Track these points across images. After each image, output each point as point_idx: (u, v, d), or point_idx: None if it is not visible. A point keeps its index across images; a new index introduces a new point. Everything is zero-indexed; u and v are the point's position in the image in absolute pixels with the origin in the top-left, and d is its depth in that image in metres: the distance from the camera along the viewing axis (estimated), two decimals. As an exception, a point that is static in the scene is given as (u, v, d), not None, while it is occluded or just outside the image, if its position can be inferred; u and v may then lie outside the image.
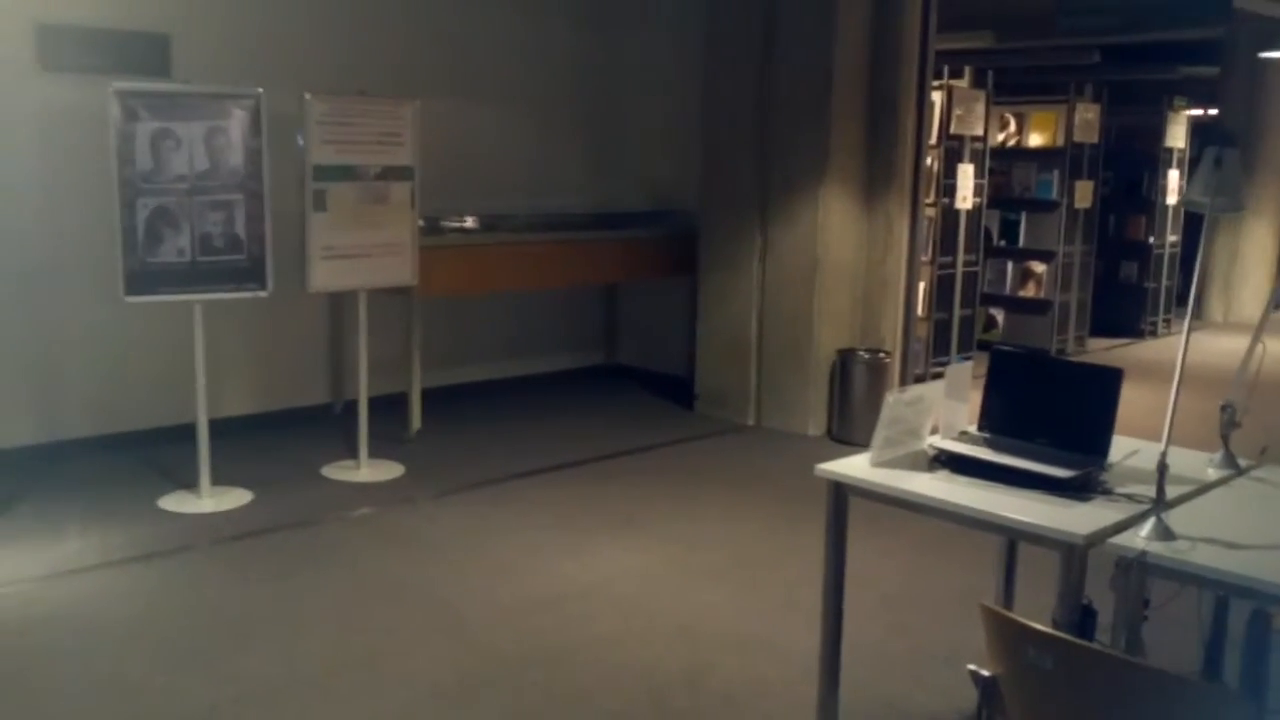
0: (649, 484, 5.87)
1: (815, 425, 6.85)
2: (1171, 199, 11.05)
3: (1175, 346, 2.64)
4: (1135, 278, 11.26)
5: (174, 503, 5.25)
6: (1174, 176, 11.02)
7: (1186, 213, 11.07)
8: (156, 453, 5.89)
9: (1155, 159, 10.95)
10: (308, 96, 5.45)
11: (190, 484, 5.36)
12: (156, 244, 5.08)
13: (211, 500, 5.27)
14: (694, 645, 3.97)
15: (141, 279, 5.06)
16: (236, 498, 5.34)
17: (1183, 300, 11.37)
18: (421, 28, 7.20)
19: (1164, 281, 11.32)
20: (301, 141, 5.46)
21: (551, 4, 7.97)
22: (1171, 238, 11.37)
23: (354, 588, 4.41)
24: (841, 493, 3.15)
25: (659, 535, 5.10)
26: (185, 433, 5.41)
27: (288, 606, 4.22)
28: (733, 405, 7.12)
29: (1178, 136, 11.11)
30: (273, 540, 4.89)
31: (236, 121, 5.20)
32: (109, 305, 5.21)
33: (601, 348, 8.73)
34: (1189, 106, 11.41)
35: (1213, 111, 12.92)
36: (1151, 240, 11.17)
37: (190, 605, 4.22)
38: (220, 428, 5.56)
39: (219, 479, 5.36)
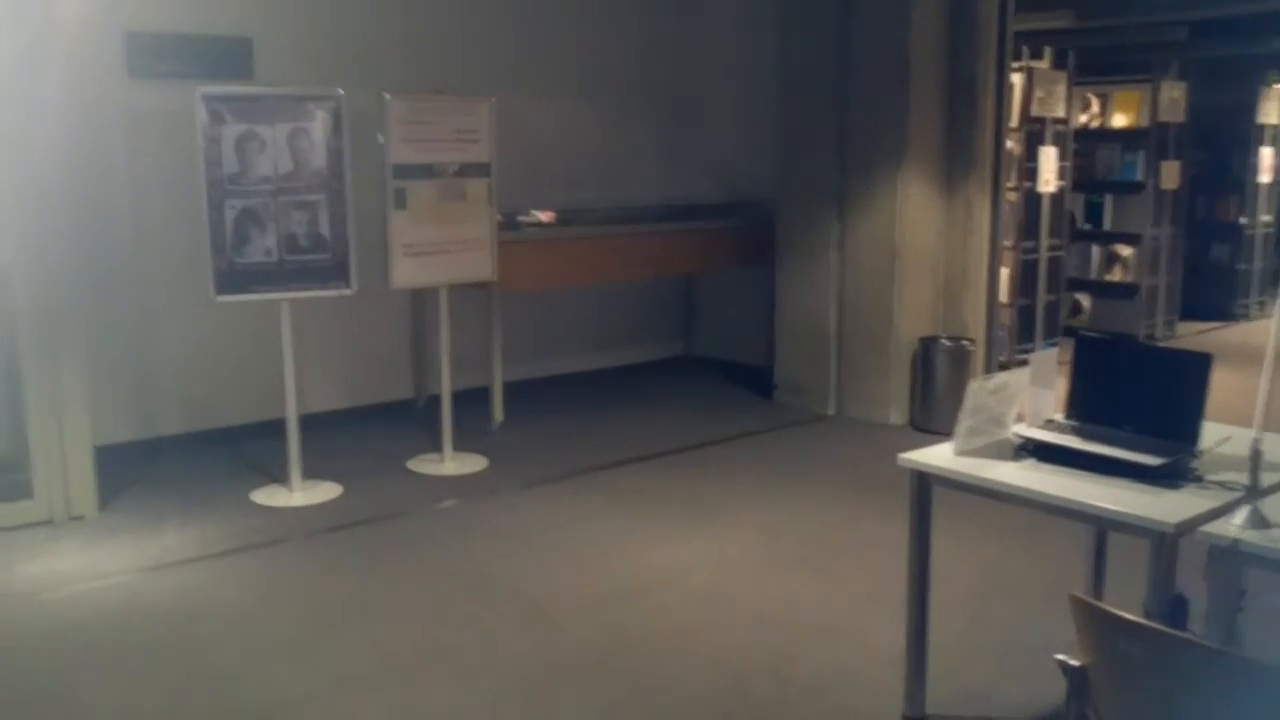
0: (730, 474, 5.88)
1: (897, 414, 6.79)
2: (1264, 178, 10.72)
3: (1268, 330, 2.58)
4: (1227, 260, 10.95)
5: (266, 497, 5.38)
6: (1267, 154, 10.69)
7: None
8: (248, 448, 6.05)
9: (1247, 136, 10.63)
10: (387, 96, 5.54)
11: (281, 478, 5.49)
12: (244, 244, 5.21)
13: (302, 494, 5.39)
14: (777, 635, 3.97)
15: (231, 279, 5.19)
16: (326, 491, 5.46)
17: (1277, 281, 11.05)
18: (493, 23, 7.26)
19: (1256, 263, 10.98)
20: (382, 140, 5.55)
21: (625, -3, 7.99)
22: (1265, 217, 11.03)
23: (441, 579, 4.48)
24: (925, 482, 3.13)
25: (741, 525, 5.10)
26: (275, 428, 5.55)
27: (377, 597, 4.31)
28: (813, 395, 7.08)
29: (1271, 112, 10.76)
30: (362, 533, 5.00)
31: (319, 122, 5.30)
32: (200, 305, 5.36)
33: (680, 339, 8.75)
34: (1282, 81, 11.05)
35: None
36: (1243, 221, 10.85)
37: (284, 597, 4.33)
38: (308, 423, 5.69)
39: (309, 473, 5.49)
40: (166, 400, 6.23)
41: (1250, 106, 10.57)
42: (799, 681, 3.63)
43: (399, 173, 5.61)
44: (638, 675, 3.69)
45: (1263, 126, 10.68)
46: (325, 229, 5.36)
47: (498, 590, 4.37)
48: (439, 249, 5.79)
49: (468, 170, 5.83)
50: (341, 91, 5.33)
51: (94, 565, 4.57)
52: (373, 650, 3.85)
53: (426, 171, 5.70)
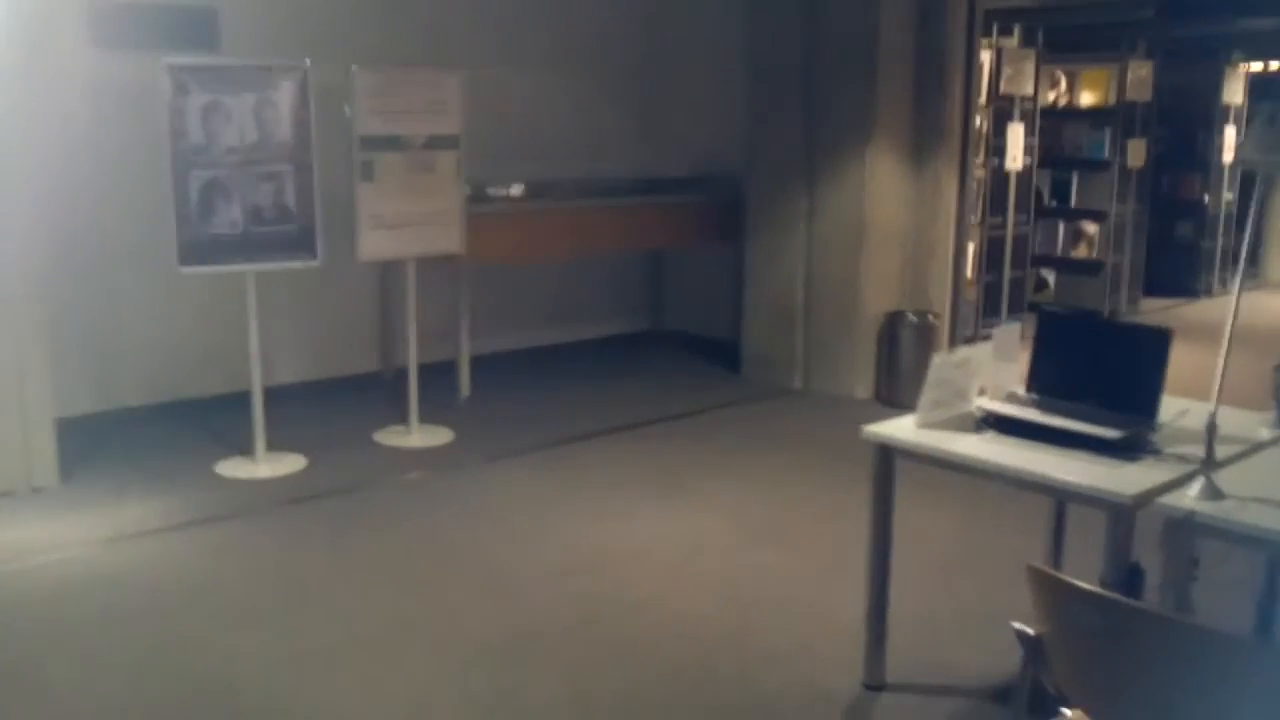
0: (696, 448, 5.90)
1: (863, 388, 6.84)
2: (1228, 157, 10.83)
3: (1230, 306, 2.62)
4: (1190, 237, 11.07)
5: (230, 468, 5.36)
6: (1230, 133, 10.79)
7: (1244, 171, 10.86)
8: (212, 420, 6.01)
9: (1211, 116, 10.74)
10: (354, 68, 5.49)
11: (246, 450, 5.47)
12: (209, 216, 5.16)
13: (267, 466, 5.37)
14: (741, 607, 4.01)
15: (195, 250, 5.15)
16: (291, 463, 5.44)
17: (1239, 259, 11.14)
18: (465, -5, 7.21)
19: (1219, 241, 11.11)
20: (349, 112, 5.51)
21: (595, -31, 7.94)
22: (1228, 196, 11.15)
23: (406, 550, 4.49)
24: (888, 454, 3.16)
25: (706, 498, 5.13)
26: (240, 400, 5.52)
27: (342, 569, 4.31)
28: (780, 369, 7.11)
29: (1235, 92, 10.86)
30: (327, 504, 4.99)
31: (285, 93, 5.25)
32: (164, 277, 5.32)
33: (648, 313, 8.75)
34: (1247, 61, 11.14)
35: (1274, 65, 12.59)
36: (1207, 199, 10.96)
37: (249, 568, 4.32)
38: (274, 395, 5.66)
39: (273, 445, 5.46)
40: (130, 372, 6.18)
41: (1215, 86, 10.66)
42: (762, 652, 3.66)
43: (366, 145, 5.57)
44: (603, 646, 3.71)
45: (1227, 106, 10.78)
46: (291, 200, 5.32)
47: (464, 562, 4.38)
48: (407, 221, 5.76)
49: (436, 142, 5.80)
50: (308, 62, 5.27)
51: (55, 537, 4.53)
52: (339, 621, 3.85)
53: (394, 143, 5.66)
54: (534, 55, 7.61)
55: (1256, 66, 11.20)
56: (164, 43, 5.86)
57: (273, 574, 4.27)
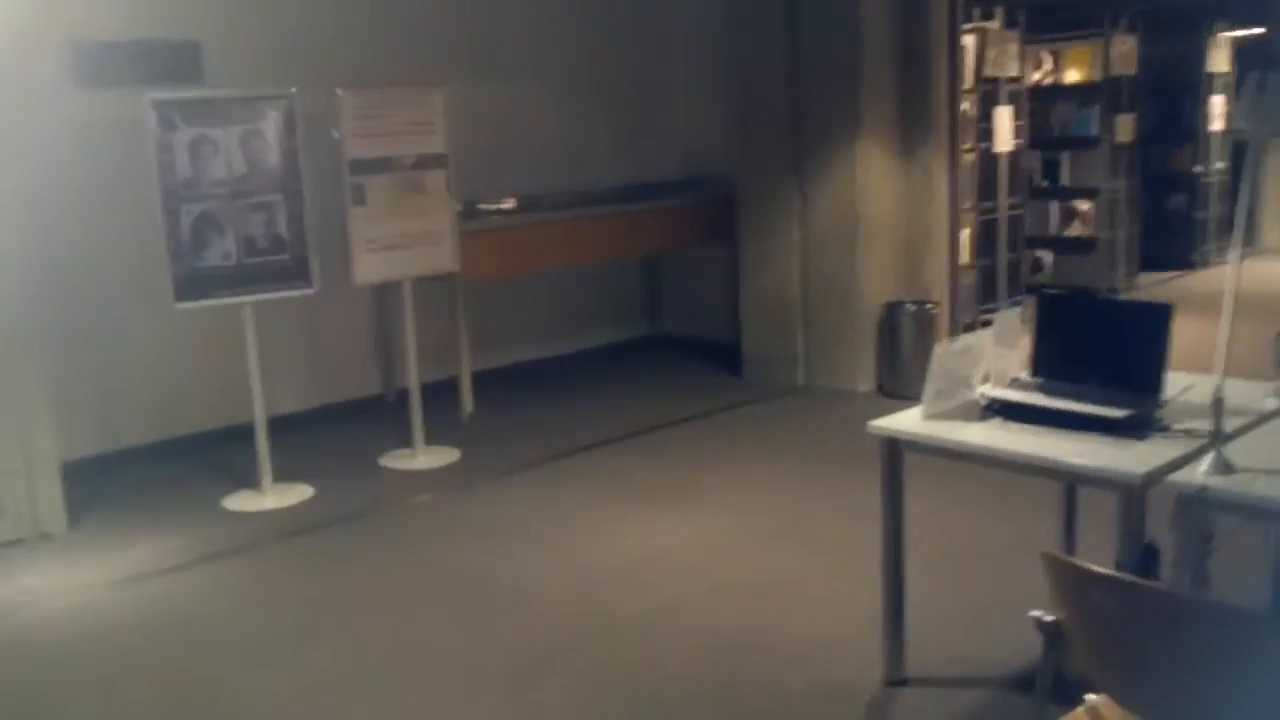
0: (704, 451, 5.88)
1: (865, 381, 6.82)
2: (1216, 126, 10.81)
3: (1228, 276, 2.61)
4: (1184, 209, 11.05)
5: (237, 502, 5.35)
6: (1218, 102, 10.77)
7: (1234, 139, 10.84)
8: (216, 454, 5.99)
9: (1197, 86, 10.73)
10: (340, 92, 5.48)
11: (252, 483, 5.45)
12: (202, 249, 5.16)
13: (274, 498, 5.36)
14: (759, 607, 3.99)
15: (190, 285, 5.14)
16: (298, 493, 5.43)
17: (1233, 228, 11.11)
18: (445, 12, 7.19)
19: (1213, 211, 11.09)
20: (337, 136, 5.50)
21: (572, -22, 7.94)
22: (1219, 165, 11.13)
23: (418, 574, 4.47)
24: (895, 448, 3.15)
25: (717, 501, 5.11)
26: (243, 433, 5.50)
27: (355, 597, 4.29)
28: (782, 367, 7.10)
29: (1220, 61, 10.85)
30: (336, 533, 4.97)
31: (271, 123, 5.25)
32: (159, 313, 5.31)
33: (646, 319, 8.74)
34: (1231, 29, 11.12)
35: (1259, 31, 12.57)
36: (1198, 169, 10.94)
37: (260, 602, 4.31)
38: (277, 425, 5.65)
39: (279, 476, 5.45)
40: (131, 411, 6.16)
41: (1199, 56, 10.65)
42: (782, 652, 3.65)
43: (356, 168, 5.56)
44: (622, 656, 3.69)
45: (1212, 75, 10.76)
46: (284, 229, 5.31)
47: (477, 582, 4.36)
48: (400, 242, 5.76)
49: (425, 162, 5.79)
50: (293, 90, 5.27)
51: (66, 582, 4.52)
52: (353, 649, 3.83)
53: (383, 165, 5.66)
54: (517, 67, 7.60)
55: (1239, 34, 11.18)
56: (147, 78, 5.85)
57: (285, 606, 4.25)
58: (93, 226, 5.92)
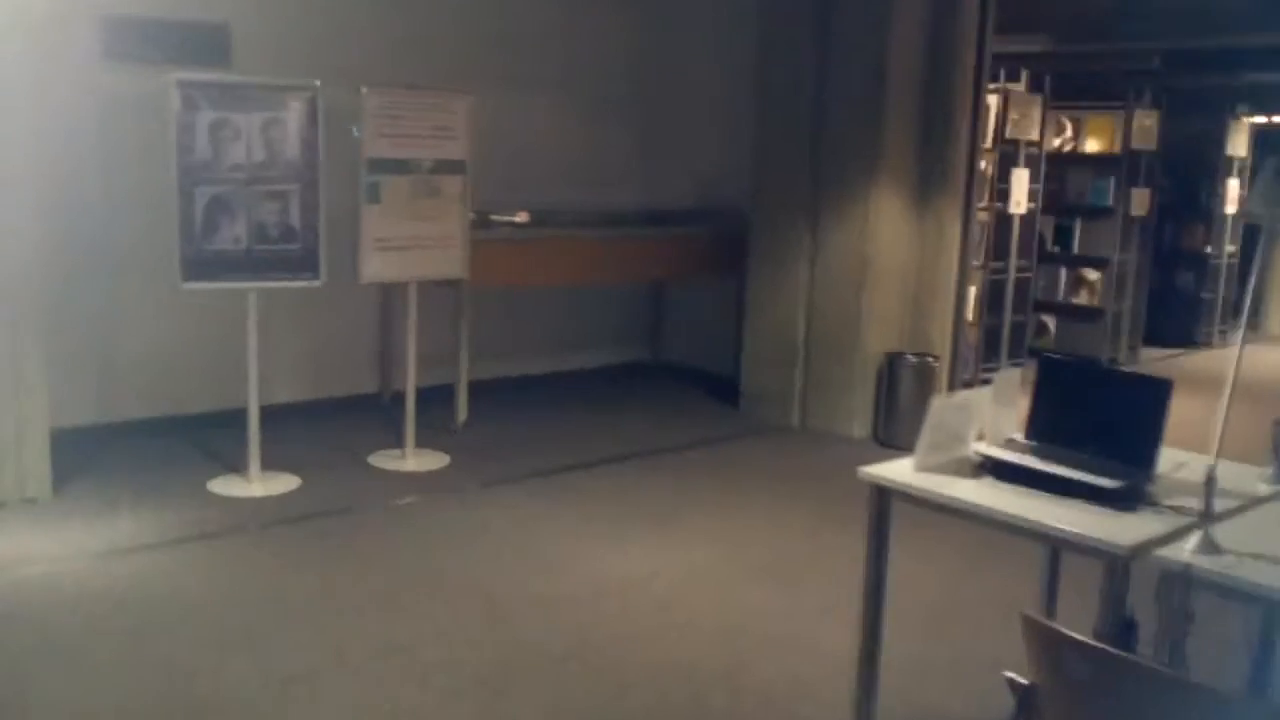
0: (692, 481, 5.88)
1: (860, 427, 6.82)
2: (1231, 208, 10.87)
3: (1230, 357, 2.62)
4: (1192, 287, 11.09)
5: (224, 486, 5.34)
6: (1234, 185, 10.84)
7: (1247, 223, 10.89)
8: (208, 436, 5.99)
9: (1215, 167, 10.78)
10: (364, 89, 5.51)
11: (240, 468, 5.45)
12: (213, 232, 5.17)
13: (260, 485, 5.35)
14: (734, 644, 3.98)
15: (198, 266, 5.15)
16: (285, 483, 5.42)
17: (1240, 311, 11.19)
18: (474, 20, 7.24)
19: (1221, 292, 11.14)
20: (357, 134, 5.52)
21: None
22: (1230, 247, 11.18)
23: (398, 575, 4.46)
24: (884, 496, 3.14)
25: (701, 532, 5.11)
26: (236, 418, 5.50)
27: (332, 591, 4.28)
28: (778, 405, 7.10)
29: (1239, 145, 10.92)
30: (319, 526, 4.96)
31: (293, 113, 5.27)
32: (166, 292, 5.31)
33: (648, 344, 8.75)
34: (1252, 114, 11.21)
35: (1278, 119, 12.66)
36: (1209, 250, 10.99)
37: (238, 588, 4.30)
38: (270, 414, 5.64)
39: (268, 464, 5.44)
40: (128, 385, 6.16)
41: (1220, 138, 10.71)
42: (753, 691, 3.64)
43: (373, 167, 5.58)
44: (592, 678, 3.68)
45: (1231, 158, 10.83)
46: (296, 220, 5.33)
47: (454, 588, 4.35)
48: (410, 244, 5.77)
49: (443, 167, 5.81)
50: (318, 83, 5.29)
51: (45, 549, 4.51)
52: (326, 645, 3.82)
53: (401, 167, 5.68)
54: (542, 82, 7.64)
55: (1260, 119, 11.26)
56: (175, 58, 5.89)
57: (262, 594, 4.24)
58: (108, 200, 5.94)
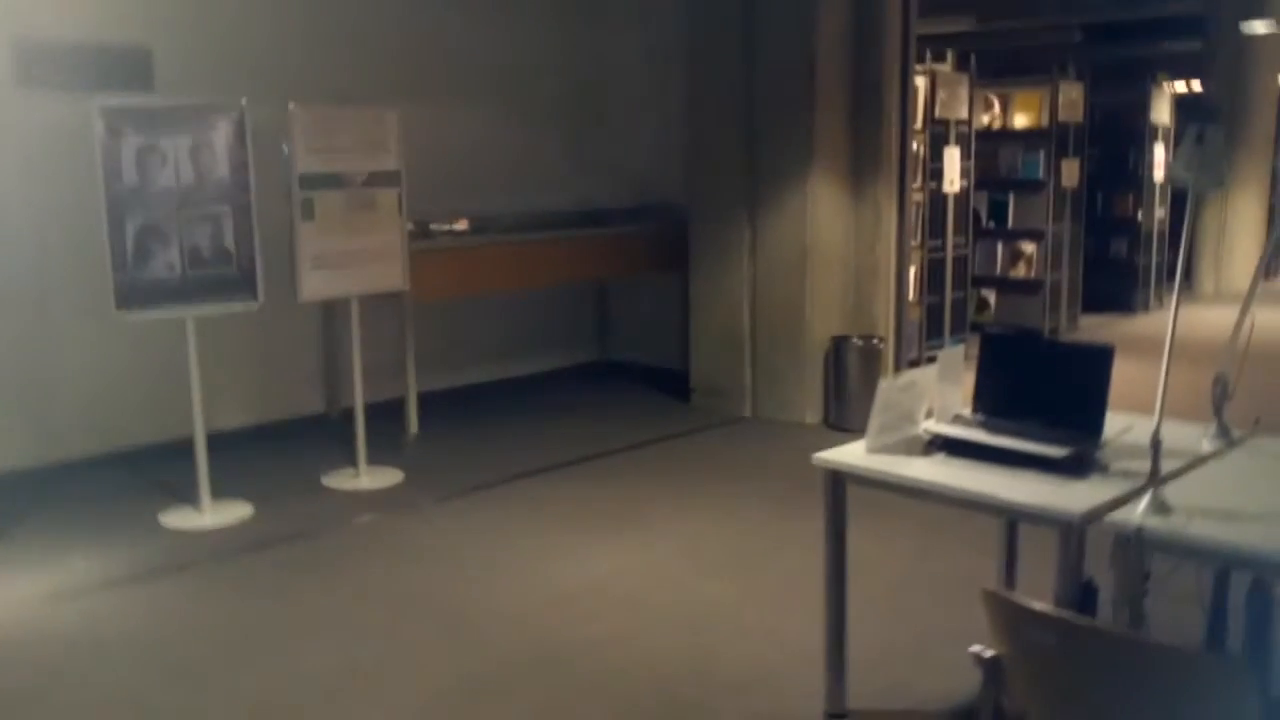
0: (649, 479, 5.88)
1: (812, 414, 6.87)
2: (1158, 175, 11.08)
3: (1167, 321, 2.66)
4: (1125, 254, 11.31)
5: (175, 519, 5.25)
6: (1160, 152, 11.05)
7: (1174, 188, 11.11)
8: (155, 469, 5.88)
9: (1141, 135, 10.99)
10: (292, 106, 5.44)
11: (191, 500, 5.35)
12: (146, 259, 5.07)
13: (212, 515, 5.26)
14: (700, 638, 3.98)
15: (132, 295, 5.05)
16: (237, 511, 5.34)
17: (1173, 275, 11.40)
18: (401, 31, 7.19)
19: (1154, 257, 11.36)
20: (287, 151, 5.45)
21: (531, 1, 7.96)
22: (1160, 213, 11.40)
23: (358, 597, 4.41)
24: (839, 481, 3.17)
25: (661, 530, 5.11)
26: (183, 448, 5.40)
27: (292, 618, 4.23)
28: (729, 397, 7.12)
29: (1162, 112, 11.13)
30: (275, 553, 4.89)
31: (221, 134, 5.19)
32: (100, 323, 5.22)
33: (595, 344, 8.74)
34: (1173, 82, 11.43)
35: (1197, 85, 12.94)
36: (1140, 216, 11.20)
37: (196, 622, 4.22)
38: (218, 441, 5.56)
39: (219, 493, 5.36)
40: (68, 422, 6.04)
41: (1143, 106, 10.91)
42: (722, 682, 3.64)
43: (306, 183, 5.51)
44: (562, 684, 3.67)
45: (1155, 125, 11.03)
46: (230, 242, 5.25)
47: (417, 606, 4.31)
48: (349, 260, 5.71)
49: (377, 179, 5.75)
50: (244, 101, 5.22)
51: (-6, 595, 4.41)
52: (290, 674, 3.77)
53: (334, 181, 5.61)
54: (473, 88, 7.60)
55: (1180, 87, 11.49)
56: (95, 83, 5.78)
57: (221, 627, 4.17)
58: (32, 232, 5.82)
